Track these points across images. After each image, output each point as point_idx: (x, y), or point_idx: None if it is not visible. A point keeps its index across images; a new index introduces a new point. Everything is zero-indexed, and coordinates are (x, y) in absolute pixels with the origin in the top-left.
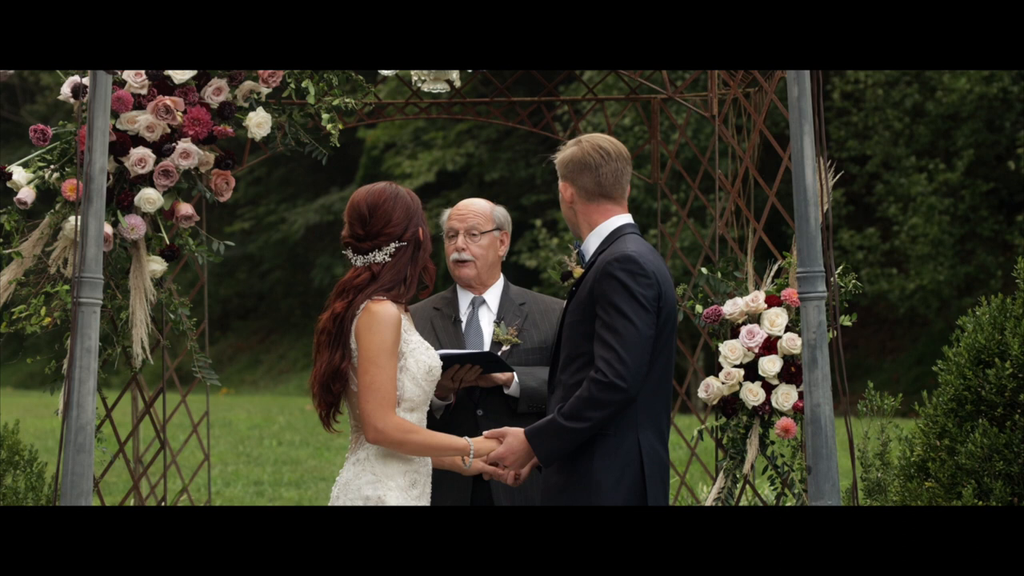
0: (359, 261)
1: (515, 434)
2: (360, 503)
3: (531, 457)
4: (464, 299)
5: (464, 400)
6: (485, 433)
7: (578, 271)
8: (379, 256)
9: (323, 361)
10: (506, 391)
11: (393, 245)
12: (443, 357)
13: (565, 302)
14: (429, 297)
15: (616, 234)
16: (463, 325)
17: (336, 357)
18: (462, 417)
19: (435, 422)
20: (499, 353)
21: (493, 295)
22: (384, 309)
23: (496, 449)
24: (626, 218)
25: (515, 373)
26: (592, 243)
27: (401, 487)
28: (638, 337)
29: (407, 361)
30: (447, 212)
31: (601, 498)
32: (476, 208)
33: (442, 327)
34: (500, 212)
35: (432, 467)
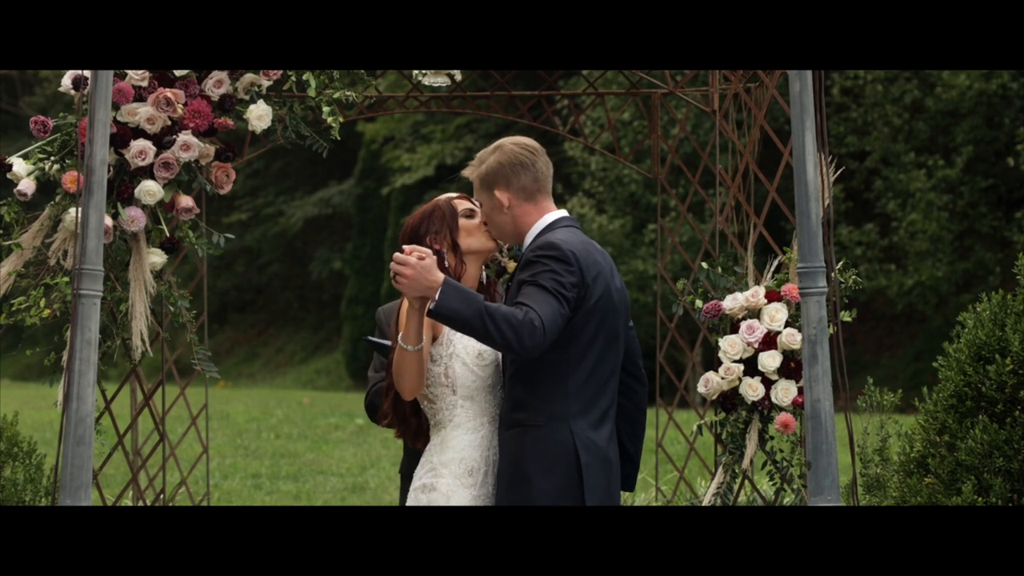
0: None
1: (431, 268)
2: (418, 491)
3: (429, 292)
4: None
5: None
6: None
7: (511, 266)
8: None
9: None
10: None
11: None
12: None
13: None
14: None
15: (549, 228)
16: None
17: None
18: None
19: None
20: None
21: None
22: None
23: (411, 259)
24: (561, 213)
25: None
26: (528, 241)
27: (455, 474)
28: (553, 311)
29: (455, 347)
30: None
31: (531, 487)
32: None
33: None
34: None
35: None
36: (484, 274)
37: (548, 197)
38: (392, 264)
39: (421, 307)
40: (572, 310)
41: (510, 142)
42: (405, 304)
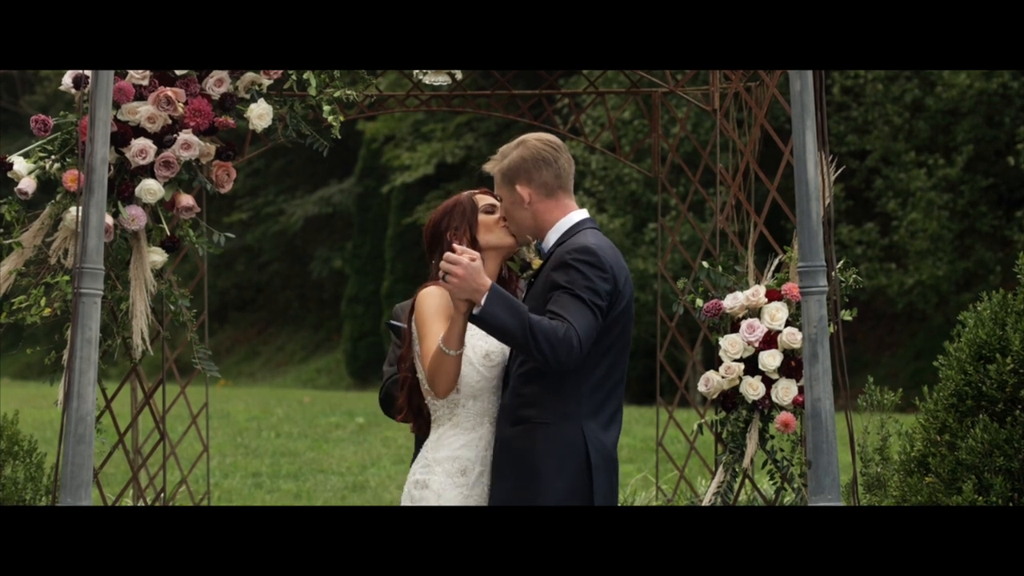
0: None
1: (480, 271)
2: (412, 486)
3: (476, 296)
4: None
5: None
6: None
7: (537, 262)
8: None
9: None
10: None
11: None
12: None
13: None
14: None
15: (576, 228)
16: None
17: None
18: None
19: None
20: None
21: None
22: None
23: (463, 259)
24: (584, 213)
25: None
26: (552, 238)
27: (448, 472)
28: (589, 325)
29: (464, 346)
30: None
31: (540, 484)
32: None
33: None
34: None
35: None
36: (505, 269)
37: (569, 195)
38: (443, 263)
39: (467, 311)
40: (603, 317)
41: (533, 138)
42: (434, 304)
